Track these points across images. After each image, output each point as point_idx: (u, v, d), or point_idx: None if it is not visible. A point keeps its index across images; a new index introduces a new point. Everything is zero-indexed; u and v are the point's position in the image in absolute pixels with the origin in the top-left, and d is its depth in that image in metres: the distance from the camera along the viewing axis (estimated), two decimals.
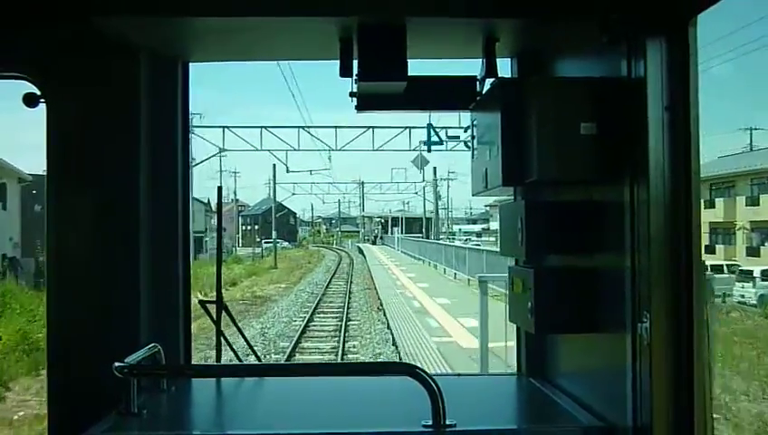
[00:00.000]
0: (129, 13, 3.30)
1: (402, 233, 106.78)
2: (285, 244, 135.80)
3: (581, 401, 3.29)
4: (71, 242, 3.65)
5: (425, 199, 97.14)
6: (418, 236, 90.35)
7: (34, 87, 3.61)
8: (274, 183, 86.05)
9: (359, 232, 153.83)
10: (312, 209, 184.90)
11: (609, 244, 2.98)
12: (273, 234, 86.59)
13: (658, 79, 2.67)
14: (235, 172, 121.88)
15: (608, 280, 3.00)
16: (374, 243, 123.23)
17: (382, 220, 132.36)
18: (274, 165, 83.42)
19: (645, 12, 2.70)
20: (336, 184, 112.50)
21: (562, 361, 3.65)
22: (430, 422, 2.87)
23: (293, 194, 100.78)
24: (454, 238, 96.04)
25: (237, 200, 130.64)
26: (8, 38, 3.54)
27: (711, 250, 62.27)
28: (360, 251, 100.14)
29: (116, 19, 3.34)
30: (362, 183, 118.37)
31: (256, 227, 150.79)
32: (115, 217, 3.67)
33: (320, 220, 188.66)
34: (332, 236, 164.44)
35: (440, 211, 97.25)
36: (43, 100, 3.59)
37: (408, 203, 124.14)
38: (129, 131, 3.67)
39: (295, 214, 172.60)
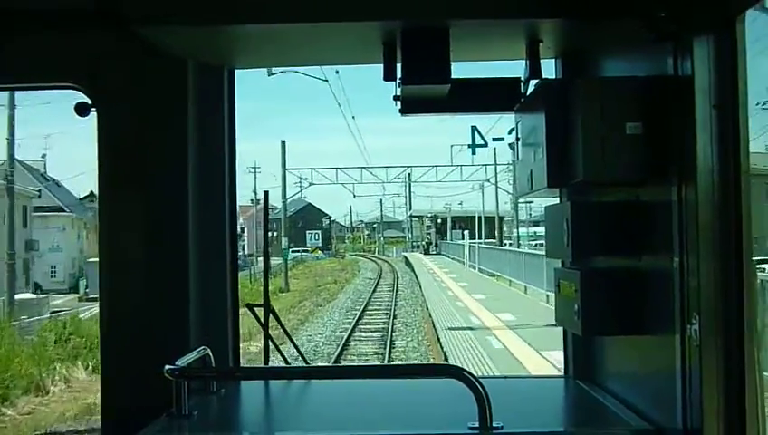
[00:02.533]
0: (177, 22, 3.37)
1: (480, 238, 69.21)
2: (318, 253, 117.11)
3: (629, 403, 3.26)
4: (122, 247, 3.73)
5: (497, 188, 68.07)
6: (491, 243, 62.58)
7: (85, 97, 3.70)
8: (284, 166, 60.07)
9: (405, 238, 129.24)
10: (351, 212, 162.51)
11: (657, 244, 2.94)
12: (284, 241, 61.07)
13: (706, 77, 2.62)
14: (255, 168, 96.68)
15: (656, 281, 2.96)
16: (426, 251, 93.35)
17: (438, 220, 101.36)
18: (283, 142, 58.19)
19: (691, 9, 2.67)
20: (371, 169, 76.59)
21: (610, 363, 3.63)
22: (477, 425, 2.84)
23: (310, 184, 73.28)
24: (519, 244, 68.71)
25: (258, 201, 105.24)
26: (58, 49, 3.66)
27: None
28: (408, 263, 74.26)
29: (163, 28, 3.43)
30: (409, 174, 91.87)
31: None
32: (164, 222, 3.76)
33: (362, 225, 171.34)
34: (374, 242, 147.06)
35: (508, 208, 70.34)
36: (93, 109, 3.68)
37: (461, 203, 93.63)
38: (178, 138, 3.75)
39: (330, 217, 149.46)
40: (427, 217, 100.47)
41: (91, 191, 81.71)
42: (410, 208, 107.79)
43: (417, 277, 53.72)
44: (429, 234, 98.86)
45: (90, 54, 3.63)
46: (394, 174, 69.81)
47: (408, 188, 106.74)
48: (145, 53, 3.55)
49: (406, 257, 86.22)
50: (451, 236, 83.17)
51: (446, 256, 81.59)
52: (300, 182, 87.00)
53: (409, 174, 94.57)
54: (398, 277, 59.97)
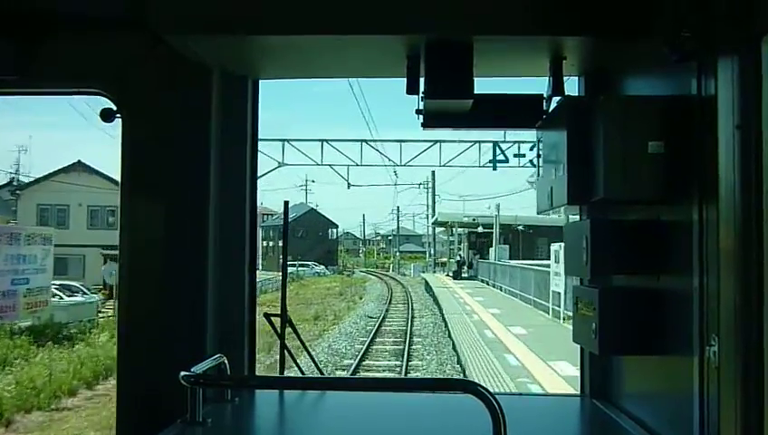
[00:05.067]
0: (203, 32, 3.41)
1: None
2: (319, 268, 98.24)
3: (646, 424, 3.22)
4: (142, 253, 3.75)
5: None
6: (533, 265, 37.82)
7: (111, 103, 3.73)
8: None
9: (425, 253, 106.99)
10: (365, 222, 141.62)
11: (677, 264, 2.91)
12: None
13: (729, 97, 2.60)
14: None
15: (674, 301, 2.93)
16: (456, 274, 66.63)
17: (477, 230, 65.45)
18: None
19: (715, 30, 2.65)
20: (376, 142, 47.37)
21: (627, 383, 3.58)
22: None
23: (280, 165, 46.30)
24: None
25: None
26: (87, 56, 3.70)
27: None
28: (429, 289, 51.70)
29: (190, 37, 3.46)
30: (433, 172, 68.80)
31: (281, 243, 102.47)
32: (184, 229, 3.76)
33: (378, 238, 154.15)
34: (388, 257, 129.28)
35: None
36: (118, 115, 3.71)
37: (493, 208, 62.20)
38: (200, 146, 3.78)
39: (337, 226, 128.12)
40: (460, 224, 72.76)
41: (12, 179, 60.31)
42: (434, 213, 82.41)
43: (446, 322, 30.75)
44: (461, 249, 72.14)
45: (117, 61, 3.68)
46: (412, 153, 46.19)
47: (431, 191, 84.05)
48: (171, 62, 3.60)
49: (426, 281, 62.14)
50: (497, 253, 54.31)
51: (485, 281, 54.17)
52: (305, 185, 65.24)
53: (433, 172, 71.24)
54: (413, 315, 38.12)
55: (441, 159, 44.40)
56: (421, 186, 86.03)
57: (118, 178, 3.83)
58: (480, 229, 61.51)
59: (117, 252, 3.73)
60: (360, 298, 55.21)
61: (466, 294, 42.96)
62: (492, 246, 55.84)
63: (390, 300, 50.01)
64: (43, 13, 3.52)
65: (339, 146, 43.69)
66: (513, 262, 45.98)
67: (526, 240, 58.57)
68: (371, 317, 38.49)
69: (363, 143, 43.43)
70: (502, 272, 46.25)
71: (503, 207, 58.11)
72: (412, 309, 41.48)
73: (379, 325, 34.13)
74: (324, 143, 42.75)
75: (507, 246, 54.96)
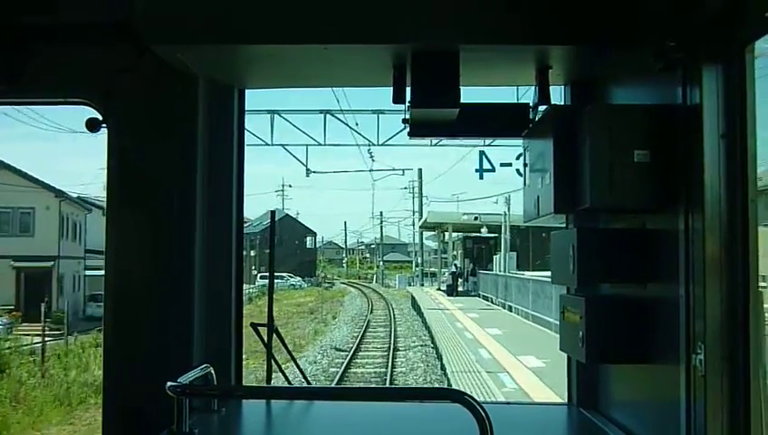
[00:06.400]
0: (189, 42, 3.44)
1: None
2: (295, 280, 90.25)
3: (633, 432, 3.24)
4: (128, 263, 3.77)
5: None
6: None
7: (96, 113, 3.75)
8: None
9: (411, 263, 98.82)
10: (346, 229, 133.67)
11: (663, 273, 2.94)
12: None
13: (714, 106, 2.63)
14: None
15: (661, 310, 2.96)
16: (451, 290, 51.31)
17: (476, 235, 53.37)
18: None
19: (700, 39, 2.68)
20: (342, 113, 35.26)
21: (614, 391, 3.61)
22: None
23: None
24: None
25: None
26: (72, 65, 3.72)
27: None
28: (416, 307, 43.23)
29: (177, 47, 3.49)
30: (420, 170, 59.11)
31: (252, 253, 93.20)
32: (171, 239, 3.78)
33: (362, 246, 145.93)
34: (371, 267, 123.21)
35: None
36: (104, 124, 3.73)
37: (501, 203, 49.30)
38: (187, 155, 3.79)
39: (314, 234, 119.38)
40: (456, 227, 57.62)
41: None
42: (421, 216, 70.74)
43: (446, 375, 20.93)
44: (456, 257, 59.30)
45: (104, 71, 3.68)
46: (390, 129, 36.19)
47: (417, 192, 74.67)
48: (158, 71, 3.61)
49: (413, 298, 51.38)
50: (506, 262, 42.93)
51: (488, 298, 42.47)
52: (282, 190, 57.12)
53: (420, 169, 62.01)
54: (395, 345, 30.11)
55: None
56: (404, 173, 75.97)
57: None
58: (485, 231, 50.06)
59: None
60: (334, 318, 46.77)
61: (472, 322, 30.70)
62: (497, 253, 45.12)
63: (368, 322, 41.34)
64: (31, 24, 3.56)
65: (295, 120, 34.00)
66: (526, 274, 35.19)
67: (537, 245, 47.90)
68: (340, 350, 29.05)
69: (328, 115, 33.50)
70: (518, 288, 34.28)
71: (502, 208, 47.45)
72: (395, 336, 32.79)
73: (348, 364, 24.78)
74: (276, 116, 32.91)
75: (515, 253, 44.55)
